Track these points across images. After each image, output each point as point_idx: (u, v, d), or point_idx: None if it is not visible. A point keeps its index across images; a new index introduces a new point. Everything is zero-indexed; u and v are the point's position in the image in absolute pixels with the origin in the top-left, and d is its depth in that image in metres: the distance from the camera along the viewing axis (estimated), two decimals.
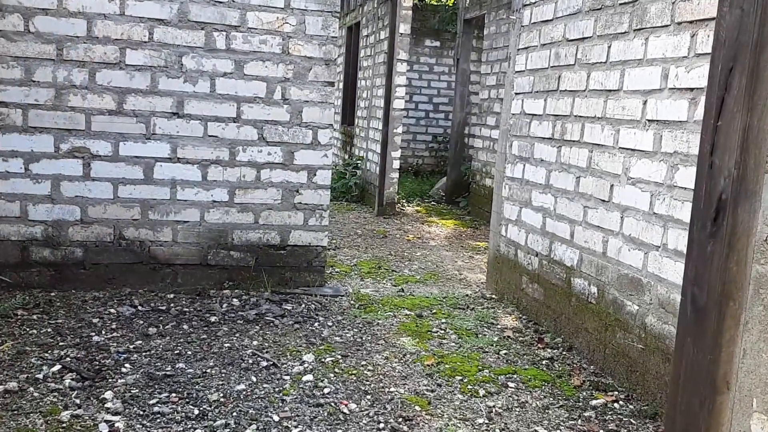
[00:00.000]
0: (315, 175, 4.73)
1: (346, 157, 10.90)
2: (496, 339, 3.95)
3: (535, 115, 4.51)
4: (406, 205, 9.41)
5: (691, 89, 3.03)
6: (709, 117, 1.60)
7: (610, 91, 3.66)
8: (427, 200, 9.99)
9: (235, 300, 4.33)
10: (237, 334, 3.74)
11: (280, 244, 4.71)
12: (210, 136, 4.53)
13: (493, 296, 4.91)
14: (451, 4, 12.19)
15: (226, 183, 4.59)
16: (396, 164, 8.43)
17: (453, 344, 3.83)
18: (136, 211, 4.45)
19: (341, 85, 11.71)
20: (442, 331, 4.03)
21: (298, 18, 4.56)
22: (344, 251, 6.21)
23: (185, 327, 3.80)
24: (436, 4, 12.89)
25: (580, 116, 3.95)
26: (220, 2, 4.42)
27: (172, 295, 4.36)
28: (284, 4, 4.52)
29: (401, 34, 8.14)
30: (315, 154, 4.72)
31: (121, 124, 4.38)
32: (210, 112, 4.52)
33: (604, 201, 3.67)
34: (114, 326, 3.75)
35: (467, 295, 4.92)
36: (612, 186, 3.60)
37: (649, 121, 3.32)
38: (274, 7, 4.51)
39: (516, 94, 4.81)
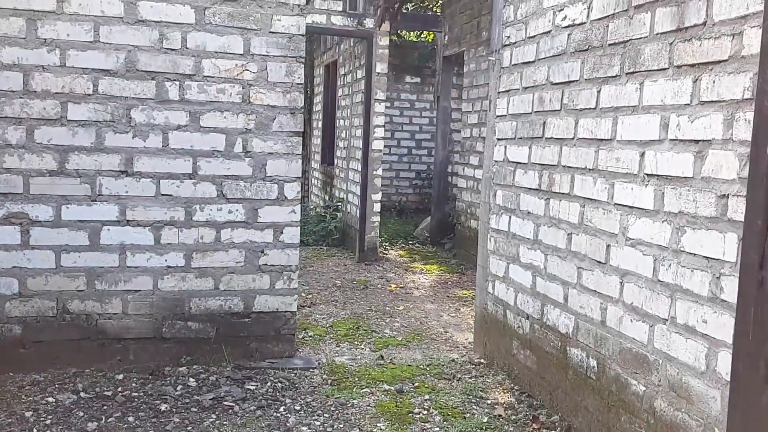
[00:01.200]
0: (282, 233, 4.31)
1: (327, 198, 10.50)
2: (485, 420, 3.50)
3: (520, 163, 4.13)
4: (389, 248, 8.99)
5: (696, 141, 2.65)
6: (754, 214, 1.21)
7: (601, 140, 3.29)
8: (411, 242, 9.58)
9: (191, 380, 3.86)
10: (189, 427, 3.27)
11: (244, 311, 4.26)
12: (163, 194, 4.11)
13: (482, 361, 4.47)
14: (430, 40, 11.94)
15: (182, 246, 4.16)
16: (377, 207, 8.03)
17: (437, 428, 3.38)
18: (82, 281, 4.00)
19: (320, 124, 11.37)
20: (425, 412, 3.58)
21: (259, 64, 4.18)
22: (320, 308, 5.76)
23: (131, 419, 3.32)
24: (415, 40, 12.65)
25: (569, 167, 3.57)
26: (173, 50, 4.04)
27: (121, 376, 3.88)
28: (244, 49, 4.15)
29: (378, 73, 7.81)
30: (281, 210, 4.30)
31: (63, 185, 3.95)
32: (163, 169, 4.10)
33: (600, 263, 3.27)
34: (48, 421, 3.27)
35: (453, 360, 4.47)
36: (608, 246, 3.21)
37: (648, 175, 2.93)
38: (233, 54, 4.13)
39: (498, 140, 4.44)
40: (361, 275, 7.17)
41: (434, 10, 11.17)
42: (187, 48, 4.06)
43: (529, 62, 4.05)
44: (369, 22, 7.77)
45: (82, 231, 3.99)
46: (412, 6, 10.31)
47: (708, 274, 2.54)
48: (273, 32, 4.18)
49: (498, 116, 4.45)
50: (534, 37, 3.99)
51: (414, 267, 7.82)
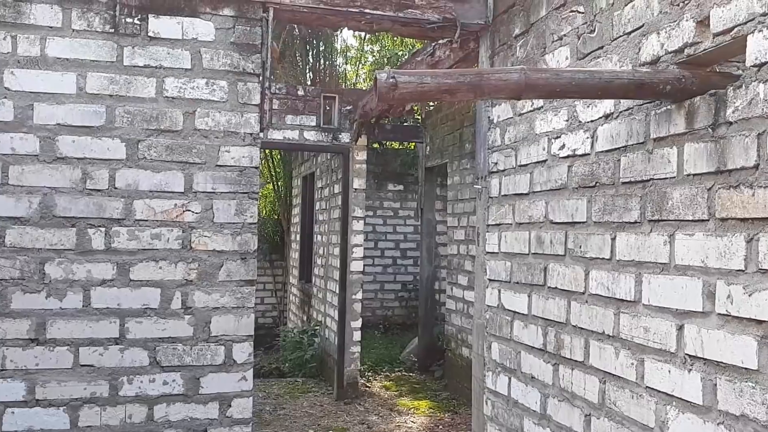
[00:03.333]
0: (230, 406, 3.51)
1: (305, 318, 9.70)
2: None
3: (518, 313, 3.42)
4: (372, 378, 8.11)
5: (759, 321, 1.96)
6: None
7: (622, 301, 2.60)
8: (397, 368, 8.71)
9: None
10: None
11: None
12: (83, 365, 3.34)
13: None
14: (412, 147, 11.55)
15: (105, 428, 3.34)
16: (357, 336, 7.24)
17: None
18: None
19: (298, 237, 10.73)
20: None
21: (203, 203, 3.53)
22: None
23: None
24: (397, 147, 12.28)
25: (582, 328, 2.86)
26: (98, 191, 3.39)
27: None
28: (185, 187, 3.51)
29: (356, 189, 7.23)
30: (229, 378, 3.52)
31: None
32: (82, 334, 3.35)
33: None
34: None
35: None
36: None
37: (690, 357, 2.22)
38: (171, 192, 3.49)
39: (490, 281, 3.75)
40: (339, 420, 6.27)
41: (416, 117, 10.83)
42: (115, 188, 3.42)
43: (522, 194, 3.42)
44: (345, 137, 7.28)
45: None
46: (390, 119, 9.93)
47: None
48: (220, 165, 3.56)
49: (488, 253, 3.78)
50: (526, 165, 3.38)
51: (401, 404, 6.94)
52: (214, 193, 3.55)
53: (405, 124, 10.70)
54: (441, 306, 8.75)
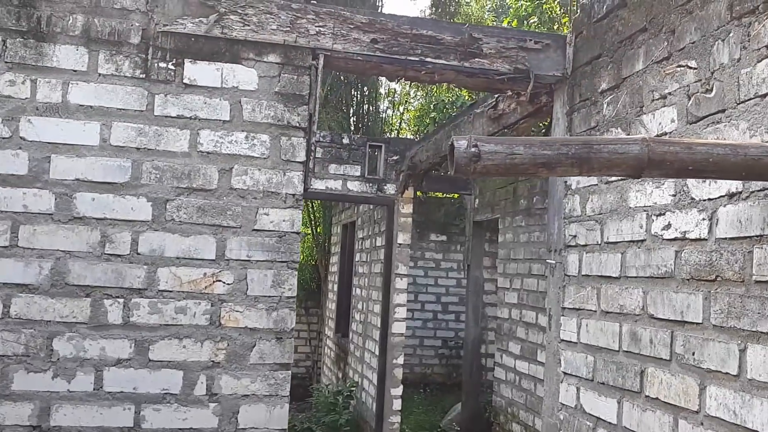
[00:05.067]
0: None
1: (340, 375, 9.15)
2: None
3: (603, 421, 2.85)
4: None
5: None
6: None
7: None
8: None
9: None
10: None
11: None
12: None
13: None
14: (456, 197, 11.06)
15: None
16: (397, 405, 6.66)
17: None
18: None
19: (336, 287, 10.25)
20: None
21: (236, 273, 3.08)
22: None
23: None
24: (440, 196, 11.80)
25: None
26: (118, 256, 2.97)
27: None
28: (216, 254, 3.07)
29: (400, 244, 6.74)
30: None
31: None
32: (92, 422, 2.89)
33: None
34: None
35: None
36: None
37: None
38: (201, 260, 3.05)
39: (566, 374, 3.19)
40: None
41: None
42: (138, 253, 2.99)
43: (610, 277, 2.88)
44: (390, 188, 6.83)
45: None
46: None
47: None
48: (258, 230, 3.12)
49: (564, 341, 3.23)
50: (616, 244, 2.85)
51: None
52: (249, 261, 3.10)
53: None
54: (487, 372, 8.13)
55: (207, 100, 3.08)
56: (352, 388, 8.08)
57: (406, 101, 15.03)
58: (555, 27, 8.26)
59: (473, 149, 1.75)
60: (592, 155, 1.75)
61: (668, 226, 2.51)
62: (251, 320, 3.08)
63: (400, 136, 13.03)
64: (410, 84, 14.13)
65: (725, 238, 2.22)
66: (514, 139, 1.78)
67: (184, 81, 3.07)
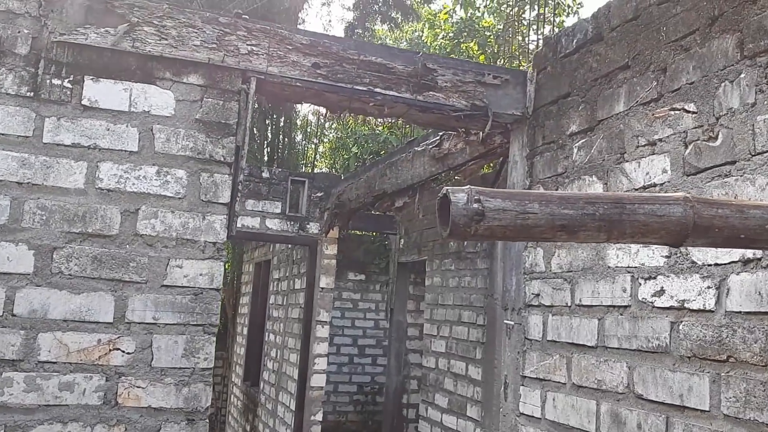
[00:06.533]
0: None
1: (248, 428, 8.42)
2: None
3: None
4: None
5: None
6: None
7: None
8: None
9: None
10: None
11: None
12: None
13: None
14: (375, 236, 10.67)
15: None
16: None
17: None
18: None
19: (245, 330, 9.54)
20: None
21: (138, 339, 2.50)
22: None
23: None
24: (359, 233, 11.39)
25: None
26: None
27: None
28: (114, 315, 2.48)
29: (323, 288, 6.24)
30: None
31: None
32: None
33: None
34: None
35: None
36: None
37: None
38: (95, 323, 2.45)
39: None
40: None
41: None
42: (13, 315, 2.37)
43: (585, 346, 2.52)
44: (313, 227, 6.34)
45: None
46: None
47: None
48: (168, 286, 2.56)
49: (524, 415, 2.83)
50: (591, 308, 2.50)
51: None
52: (155, 324, 2.52)
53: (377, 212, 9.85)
54: (409, 423, 7.67)
55: (110, 127, 2.52)
56: None
57: (320, 133, 14.62)
58: None
59: (475, 205, 1.34)
60: (625, 217, 1.37)
61: (661, 292, 2.18)
62: (156, 398, 2.49)
63: (324, 171, 12.56)
64: (325, 114, 13.75)
65: (739, 312, 1.90)
66: (527, 194, 1.38)
67: (83, 102, 2.50)
